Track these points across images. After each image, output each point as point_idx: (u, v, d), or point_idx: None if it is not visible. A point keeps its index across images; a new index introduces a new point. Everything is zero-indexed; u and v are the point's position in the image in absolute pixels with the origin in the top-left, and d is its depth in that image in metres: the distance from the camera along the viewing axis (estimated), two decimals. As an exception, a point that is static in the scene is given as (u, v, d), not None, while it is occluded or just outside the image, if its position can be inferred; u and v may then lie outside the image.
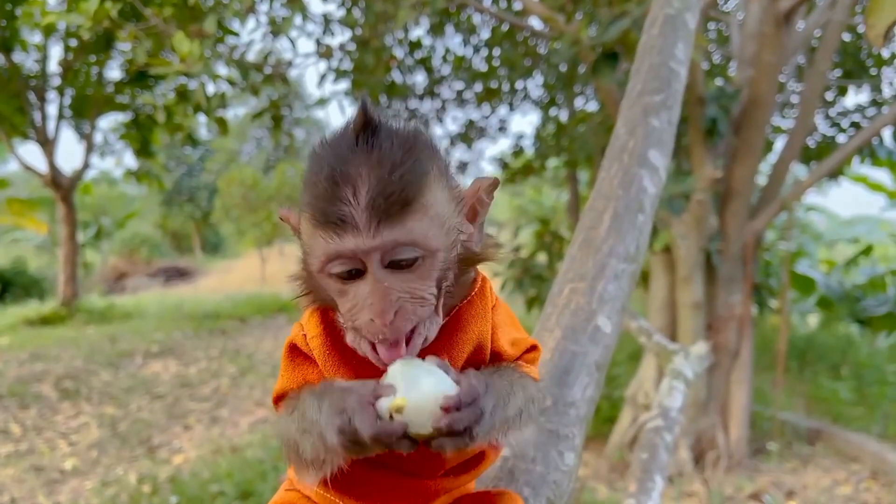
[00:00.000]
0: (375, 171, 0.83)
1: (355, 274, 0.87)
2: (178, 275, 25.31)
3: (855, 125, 8.54)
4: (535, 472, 1.26)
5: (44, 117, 12.76)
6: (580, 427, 1.36)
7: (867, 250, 11.41)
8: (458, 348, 1.02)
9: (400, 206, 0.83)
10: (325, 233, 0.84)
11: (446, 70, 9.38)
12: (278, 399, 1.05)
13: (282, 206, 1.01)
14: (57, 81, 12.40)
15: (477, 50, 9.10)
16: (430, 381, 0.86)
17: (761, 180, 6.74)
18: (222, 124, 7.03)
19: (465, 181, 1.01)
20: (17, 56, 11.79)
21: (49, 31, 10.73)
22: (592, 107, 10.03)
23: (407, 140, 0.87)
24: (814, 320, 11.79)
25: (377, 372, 0.95)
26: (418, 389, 0.85)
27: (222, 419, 7.37)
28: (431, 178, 0.88)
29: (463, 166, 10.70)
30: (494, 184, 1.00)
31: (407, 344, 0.89)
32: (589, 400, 1.41)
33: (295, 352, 1.04)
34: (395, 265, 0.86)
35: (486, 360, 1.06)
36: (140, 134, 12.25)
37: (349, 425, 0.83)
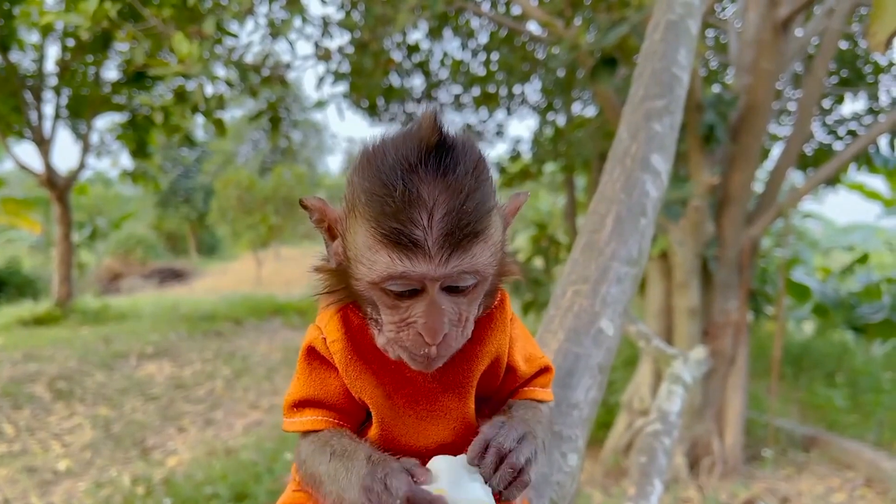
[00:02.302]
0: (451, 199, 0.82)
1: (411, 293, 0.87)
2: (173, 276, 25.22)
3: (851, 133, 8.57)
4: (538, 473, 1.26)
5: (40, 117, 12.71)
6: (583, 429, 1.36)
7: (863, 258, 11.44)
8: (477, 360, 1.03)
9: (470, 237, 0.84)
10: (394, 253, 0.83)
11: (444, 74, 9.39)
12: (294, 406, 1.03)
13: (307, 196, 0.99)
14: (54, 81, 12.34)
15: (475, 54, 9.12)
16: (476, 487, 0.86)
17: (758, 187, 6.76)
18: (220, 126, 7.02)
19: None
20: (14, 55, 11.74)
21: (47, 30, 10.70)
22: (590, 112, 10.05)
23: (475, 162, 0.86)
24: (809, 327, 11.82)
25: (399, 379, 0.97)
26: (463, 490, 0.85)
27: (217, 421, 7.35)
28: (492, 204, 0.89)
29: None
30: (525, 199, 1.04)
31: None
32: (592, 402, 1.41)
33: (313, 355, 1.03)
34: (451, 290, 0.88)
35: (500, 373, 1.08)
36: (136, 134, 12.21)
37: (380, 485, 0.83)
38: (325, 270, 1.00)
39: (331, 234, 0.98)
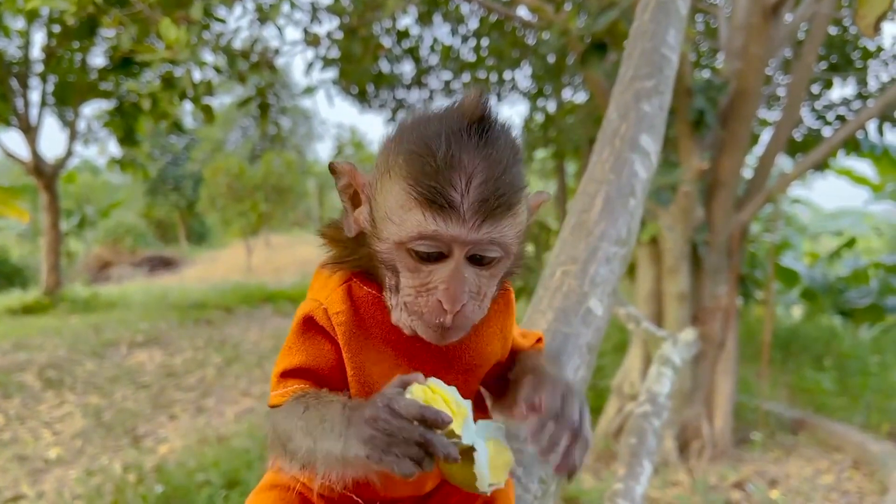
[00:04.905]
0: (490, 168, 0.84)
1: (436, 257, 0.87)
2: (162, 264, 25.09)
3: (840, 118, 8.60)
4: (526, 452, 1.26)
5: (26, 104, 12.59)
6: (572, 408, 1.36)
7: (850, 243, 11.51)
8: (485, 341, 1.04)
9: (504, 208, 0.85)
10: (428, 212, 0.84)
11: (434, 60, 9.35)
12: (282, 376, 1.00)
13: (337, 160, 0.98)
14: (40, 68, 12.21)
15: (465, 40, 9.08)
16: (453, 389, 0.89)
17: (747, 172, 6.78)
18: (208, 112, 6.96)
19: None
20: (-1, 42, 11.64)
21: (32, 16, 10.57)
22: (580, 98, 10.04)
23: (513, 141, 0.88)
24: (798, 312, 11.90)
25: (405, 356, 0.96)
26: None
27: (208, 409, 7.34)
28: (525, 185, 0.90)
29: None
30: (547, 199, 1.04)
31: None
32: (581, 381, 1.41)
33: (310, 325, 1.00)
34: (475, 260, 0.88)
35: (507, 352, 1.10)
36: (124, 122, 12.07)
37: (385, 412, 0.79)
38: (336, 238, 1.00)
39: (354, 201, 0.98)
